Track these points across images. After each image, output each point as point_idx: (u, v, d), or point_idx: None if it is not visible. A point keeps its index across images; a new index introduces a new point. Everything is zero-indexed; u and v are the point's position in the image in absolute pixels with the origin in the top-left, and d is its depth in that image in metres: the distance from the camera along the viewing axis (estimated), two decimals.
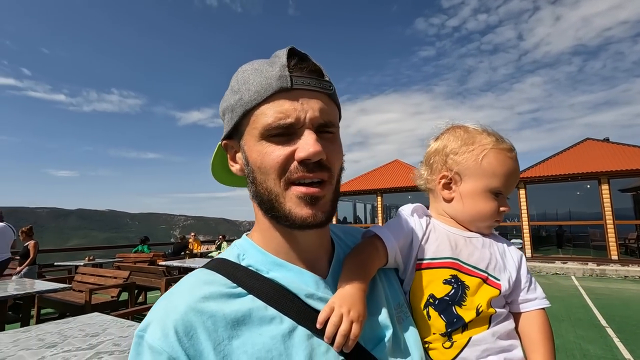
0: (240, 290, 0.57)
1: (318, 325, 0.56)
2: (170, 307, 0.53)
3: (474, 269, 0.75)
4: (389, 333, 0.62)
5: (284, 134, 0.56)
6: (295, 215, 0.56)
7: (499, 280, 0.75)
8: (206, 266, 0.63)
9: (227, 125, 0.63)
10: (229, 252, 0.66)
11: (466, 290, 0.72)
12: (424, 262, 0.75)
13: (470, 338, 0.71)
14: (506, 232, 14.25)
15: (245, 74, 0.59)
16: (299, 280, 0.60)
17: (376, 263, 0.71)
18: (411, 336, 0.67)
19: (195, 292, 0.55)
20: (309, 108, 0.56)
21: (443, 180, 0.83)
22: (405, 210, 0.84)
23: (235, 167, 0.65)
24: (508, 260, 0.79)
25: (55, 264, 9.17)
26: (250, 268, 0.61)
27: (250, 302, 0.56)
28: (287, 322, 0.55)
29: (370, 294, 0.66)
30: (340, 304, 0.57)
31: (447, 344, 0.70)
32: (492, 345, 0.71)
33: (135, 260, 8.58)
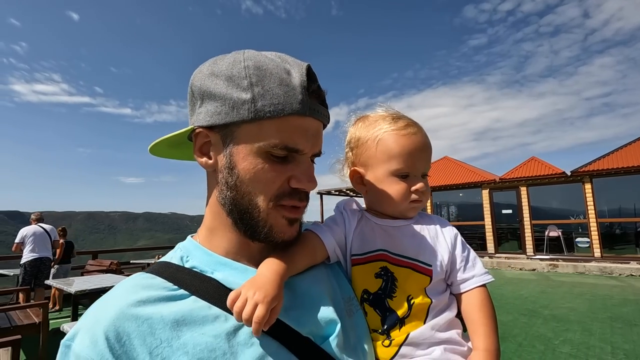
0: (181, 291, 0.55)
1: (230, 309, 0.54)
2: (101, 313, 0.50)
3: (403, 258, 0.73)
4: (337, 327, 0.60)
5: (283, 155, 0.56)
6: (277, 234, 0.59)
7: (429, 265, 0.72)
8: (146, 270, 0.61)
9: (215, 117, 0.57)
10: (172, 255, 0.64)
11: (395, 282, 0.71)
12: (357, 257, 0.74)
13: (408, 335, 0.68)
14: (570, 230, 13.16)
15: (260, 73, 0.55)
16: (244, 278, 0.58)
17: (308, 256, 0.68)
18: (361, 330, 0.67)
19: (129, 296, 0.52)
20: (314, 139, 0.58)
21: (355, 176, 0.82)
22: (338, 206, 0.83)
23: (203, 160, 0.61)
24: (440, 242, 0.75)
25: (131, 261, 10.30)
26: (194, 269, 0.60)
27: (192, 303, 0.54)
28: (232, 320, 0.53)
29: (315, 288, 0.65)
30: (247, 287, 0.55)
31: (387, 342, 0.69)
32: (431, 339, 0.69)
33: None
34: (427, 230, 0.77)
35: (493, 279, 0.75)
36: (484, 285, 0.74)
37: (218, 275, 0.59)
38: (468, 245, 0.78)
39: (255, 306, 0.52)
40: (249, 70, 0.55)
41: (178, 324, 0.50)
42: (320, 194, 19.53)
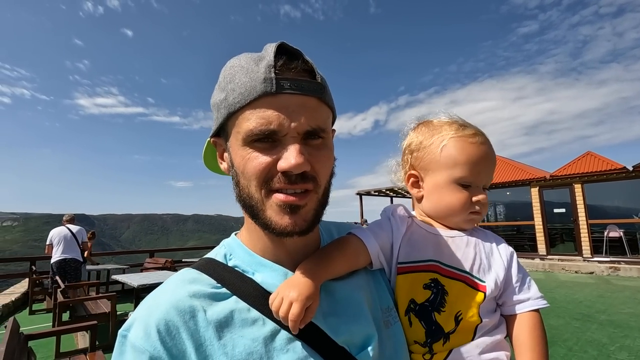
0: (224, 290, 0.57)
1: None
2: (153, 306, 0.53)
3: (455, 271, 0.70)
4: (374, 338, 0.60)
5: (268, 140, 0.54)
6: (275, 224, 0.56)
7: (483, 282, 0.70)
8: (193, 266, 0.63)
9: (215, 123, 0.61)
10: (217, 252, 0.66)
11: (445, 296, 0.68)
12: (405, 265, 0.72)
13: (450, 351, 0.67)
14: (634, 231, 12.03)
15: (232, 71, 0.56)
16: (283, 280, 0.59)
17: (349, 260, 0.67)
18: (398, 342, 0.65)
19: (179, 291, 0.55)
20: (294, 115, 0.52)
21: (411, 179, 0.80)
22: (386, 211, 0.81)
23: (223, 165, 0.64)
24: (495, 259, 0.73)
25: (183, 260, 11.09)
26: (236, 269, 0.61)
27: (234, 304, 0.56)
28: (270, 325, 0.55)
29: (355, 295, 0.64)
30: (284, 286, 0.57)
31: (427, 355, 0.67)
32: (475, 359, 0.66)
33: None
34: (482, 245, 0.74)
35: (548, 305, 0.72)
36: (537, 310, 0.71)
37: (258, 277, 0.60)
38: (523, 267, 0.76)
39: (291, 304, 0.53)
40: (226, 72, 0.58)
41: (220, 324, 0.53)
42: (360, 194, 19.54)
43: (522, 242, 13.78)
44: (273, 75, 0.52)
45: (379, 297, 0.69)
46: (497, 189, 14.73)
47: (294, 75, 0.54)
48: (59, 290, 5.04)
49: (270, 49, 0.55)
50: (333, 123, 0.64)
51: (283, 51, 0.55)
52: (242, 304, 0.56)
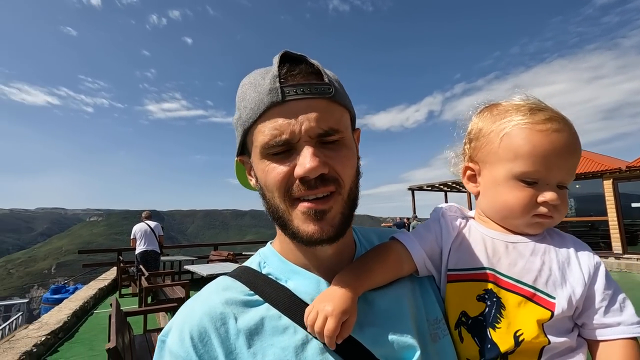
0: (257, 298, 0.57)
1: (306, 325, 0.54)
2: (188, 313, 0.56)
3: (516, 283, 0.60)
4: (417, 353, 0.55)
5: (283, 150, 0.53)
6: (302, 232, 0.55)
7: (553, 298, 0.59)
8: (229, 273, 0.64)
9: (237, 143, 0.62)
10: (252, 260, 0.67)
11: (502, 310, 0.59)
12: (456, 272, 0.64)
13: None
14: None
15: (243, 89, 0.58)
16: (316, 290, 0.58)
17: (390, 268, 0.63)
18: (447, 358, 0.60)
19: (213, 298, 0.57)
20: (304, 120, 0.52)
21: (468, 172, 0.71)
22: (436, 211, 0.73)
23: (252, 182, 0.64)
24: (572, 270, 0.61)
25: (243, 253, 11.97)
26: (269, 276, 0.61)
27: (265, 311, 0.56)
28: (301, 333, 0.54)
29: (397, 305, 0.61)
30: (319, 300, 0.54)
31: None
32: None
33: None
34: (555, 253, 0.63)
35: None
36: (634, 339, 0.58)
37: (291, 284, 0.60)
38: (615, 283, 0.62)
39: (326, 319, 0.51)
40: (239, 91, 0.59)
41: (250, 332, 0.53)
42: (412, 189, 19.22)
43: (596, 239, 12.64)
44: (278, 84, 0.52)
45: (425, 307, 0.63)
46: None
47: (298, 80, 0.53)
48: (143, 277, 5.90)
49: (275, 60, 0.55)
50: (354, 122, 0.63)
51: (287, 59, 0.55)
52: (274, 311, 0.56)
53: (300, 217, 0.55)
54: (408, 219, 17.59)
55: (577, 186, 14.41)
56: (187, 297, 5.53)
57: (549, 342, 0.57)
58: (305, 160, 0.52)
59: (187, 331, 0.53)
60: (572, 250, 0.64)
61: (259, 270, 0.63)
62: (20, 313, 9.59)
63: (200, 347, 0.52)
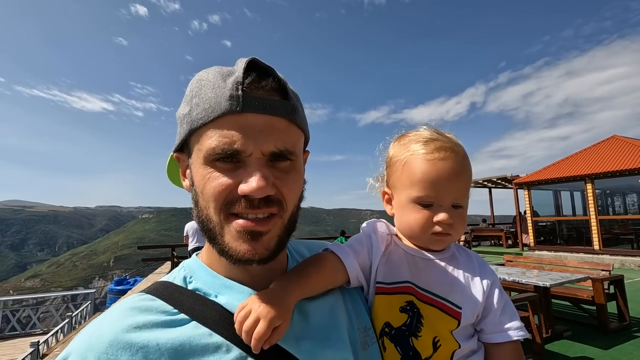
0: (182, 316, 0.52)
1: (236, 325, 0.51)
2: (94, 337, 0.47)
3: (431, 295, 0.67)
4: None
5: (230, 161, 0.50)
6: (233, 250, 0.52)
7: (459, 308, 0.67)
8: (146, 290, 0.57)
9: (177, 138, 0.57)
10: (176, 274, 0.61)
11: (422, 319, 0.66)
12: (382, 285, 0.69)
13: None
14: None
15: (199, 85, 0.53)
16: None
17: (326, 278, 0.64)
18: None
19: (125, 320, 0.49)
20: (260, 136, 0.49)
21: (386, 196, 0.79)
22: (367, 227, 0.78)
23: (185, 183, 0.60)
24: (475, 285, 0.70)
25: None
26: (197, 292, 0.56)
27: (193, 330, 0.50)
28: (235, 351, 0.50)
29: (331, 317, 0.60)
30: (254, 299, 0.52)
31: None
32: None
33: None
34: (462, 269, 0.72)
35: (528, 335, 0.76)
36: (518, 341, 0.69)
37: (222, 300, 0.55)
38: (506, 295, 0.74)
39: (257, 321, 0.49)
40: (193, 85, 0.55)
41: (176, 353, 0.47)
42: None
43: None
44: (240, 92, 0.49)
45: (356, 316, 0.65)
46: (622, 177, 12.61)
47: (263, 93, 0.51)
48: None
49: (240, 64, 0.52)
50: (306, 145, 0.62)
51: (254, 67, 0.52)
52: (203, 329, 0.51)
53: (233, 234, 0.52)
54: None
55: None
56: None
57: (460, 347, 0.66)
58: (254, 179, 0.49)
59: (91, 358, 0.45)
60: (476, 267, 0.73)
61: (184, 286, 0.58)
62: (89, 302, 10.69)
63: None
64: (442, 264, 0.72)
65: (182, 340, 0.49)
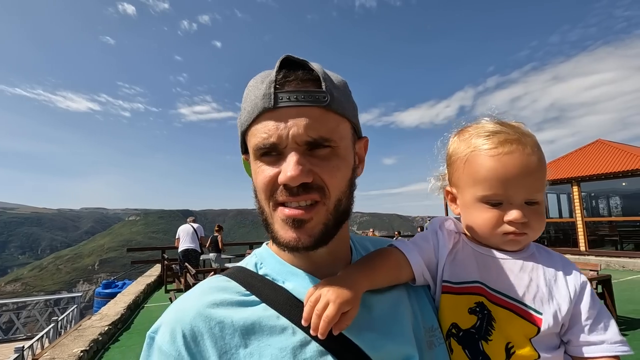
0: (253, 298, 0.56)
1: (304, 312, 0.53)
2: (180, 310, 0.53)
3: (504, 297, 0.62)
4: (415, 359, 0.55)
5: (273, 154, 0.54)
6: (280, 238, 0.55)
7: (540, 313, 0.61)
8: (224, 273, 0.63)
9: (239, 141, 0.63)
10: (248, 261, 0.66)
11: (492, 323, 0.61)
12: (449, 285, 0.66)
13: None
14: None
15: (247, 91, 0.58)
16: None
17: (391, 272, 0.64)
18: None
19: (206, 297, 0.55)
20: (292, 126, 0.52)
21: (449, 195, 0.74)
22: (433, 224, 0.75)
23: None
24: (559, 288, 0.63)
25: None
26: (266, 277, 0.60)
27: (262, 311, 0.54)
28: (300, 334, 0.53)
29: (395, 311, 0.61)
30: (324, 284, 0.54)
31: None
32: None
33: None
34: (543, 270, 0.65)
35: (632, 352, 0.60)
36: (617, 357, 0.60)
37: (289, 285, 0.58)
38: (600, 302, 0.65)
39: (327, 304, 0.50)
40: (244, 92, 0.59)
41: (247, 331, 0.52)
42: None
43: None
44: (272, 90, 0.52)
45: (421, 315, 0.64)
46: (607, 180, 12.95)
47: (294, 87, 0.53)
48: (189, 274, 6.30)
49: (276, 64, 0.55)
50: (357, 131, 0.62)
51: (288, 64, 0.55)
52: (271, 312, 0.54)
53: (280, 223, 0.55)
54: (427, 219, 17.21)
55: (624, 184, 13.63)
56: None
57: (539, 357, 0.60)
58: (288, 168, 0.51)
59: (179, 329, 0.51)
60: (559, 268, 0.66)
61: (256, 271, 0.62)
62: (75, 306, 10.45)
63: (193, 347, 0.50)
64: (518, 264, 0.66)
65: (253, 320, 0.53)
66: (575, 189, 13.77)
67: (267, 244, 0.68)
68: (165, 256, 10.01)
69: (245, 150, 0.63)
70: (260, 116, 0.54)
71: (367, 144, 0.67)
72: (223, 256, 10.38)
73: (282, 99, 0.53)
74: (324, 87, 0.54)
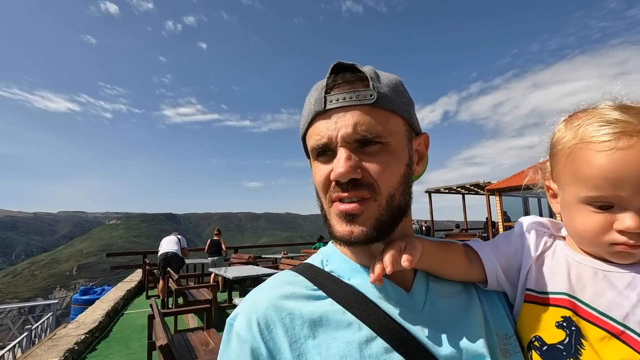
0: (320, 293, 0.59)
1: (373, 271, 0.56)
2: (255, 301, 0.58)
3: (600, 316, 0.52)
4: None
5: (327, 154, 0.57)
6: (335, 232, 0.57)
7: None
8: (293, 269, 0.66)
9: (303, 148, 0.66)
10: (315, 258, 0.68)
11: (582, 340, 0.53)
12: (532, 293, 0.59)
13: None
14: None
15: (306, 100, 0.61)
16: (380, 288, 0.58)
17: (460, 266, 0.61)
18: None
19: (277, 290, 0.59)
20: (341, 125, 0.54)
21: (550, 191, 0.63)
22: (522, 224, 0.66)
23: None
24: None
25: (262, 256, 12.16)
26: (332, 274, 0.62)
27: (329, 305, 0.56)
28: (366, 330, 0.54)
29: (463, 311, 0.59)
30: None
31: None
32: None
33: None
34: None
35: None
36: None
37: (354, 282, 0.60)
38: None
39: (402, 251, 0.54)
40: (305, 100, 0.62)
41: (314, 324, 0.54)
42: (429, 192, 19.10)
43: None
44: (323, 94, 0.56)
45: (494, 321, 0.60)
46: None
47: (341, 89, 0.56)
48: (172, 279, 6.12)
49: (328, 71, 0.59)
50: (413, 128, 0.62)
51: (339, 69, 0.59)
52: (337, 307, 0.56)
53: (335, 218, 0.58)
54: (426, 221, 17.49)
55: None
56: (215, 298, 5.72)
57: None
58: (338, 165, 0.53)
59: (254, 318, 0.55)
60: None
61: (322, 268, 0.65)
62: (51, 313, 10.02)
63: (266, 334, 0.54)
64: (626, 279, 0.54)
65: (320, 313, 0.55)
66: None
67: (332, 242, 0.68)
68: (147, 261, 9.71)
69: (308, 155, 0.66)
70: (314, 120, 0.58)
71: (427, 140, 0.66)
72: (206, 260, 10.20)
73: (331, 101, 0.56)
74: (370, 85, 0.56)
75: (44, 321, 9.26)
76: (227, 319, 0.59)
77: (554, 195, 0.63)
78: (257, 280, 6.68)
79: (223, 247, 9.35)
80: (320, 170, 0.58)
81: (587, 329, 0.53)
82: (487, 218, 16.69)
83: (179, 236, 8.74)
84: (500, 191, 15.75)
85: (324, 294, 0.59)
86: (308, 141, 0.60)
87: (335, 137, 0.55)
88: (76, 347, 4.54)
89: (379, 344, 0.53)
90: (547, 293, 0.58)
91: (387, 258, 0.54)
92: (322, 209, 0.61)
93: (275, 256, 11.49)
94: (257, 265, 9.72)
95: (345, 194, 0.55)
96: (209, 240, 9.55)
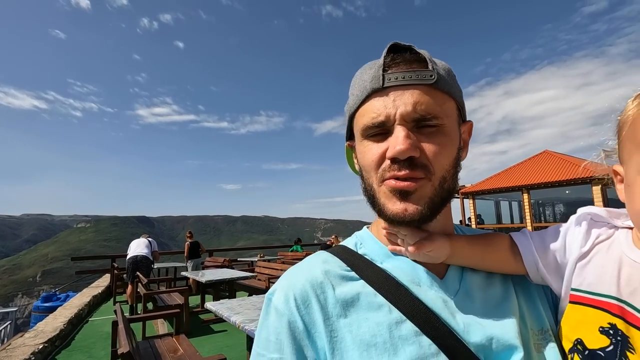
0: (353, 274, 0.60)
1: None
2: (292, 278, 0.61)
3: None
4: (518, 356, 0.51)
5: (380, 132, 0.55)
6: (387, 209, 0.56)
7: None
8: (328, 250, 0.68)
9: (345, 128, 0.66)
10: (349, 241, 0.70)
11: (630, 350, 0.47)
12: (577, 294, 0.54)
13: None
14: None
15: (354, 79, 0.61)
16: (412, 273, 0.59)
17: (496, 256, 0.59)
18: None
19: (314, 268, 0.61)
20: (400, 104, 0.53)
21: (618, 176, 0.55)
22: (575, 216, 0.60)
23: (357, 165, 0.66)
24: None
25: (239, 259, 11.90)
26: (365, 257, 0.63)
27: (361, 287, 0.58)
28: (396, 313, 0.54)
29: (497, 304, 0.57)
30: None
31: None
32: None
33: (292, 257, 10.44)
34: None
35: None
36: None
37: (387, 266, 0.61)
38: None
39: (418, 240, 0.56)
40: (351, 82, 0.62)
41: (347, 304, 0.56)
42: None
43: None
44: (381, 72, 0.55)
45: (529, 315, 0.58)
46: (553, 187, 13.95)
47: (400, 68, 0.55)
48: (141, 284, 5.84)
49: (384, 50, 0.58)
50: (462, 113, 0.61)
51: (395, 49, 0.58)
52: (369, 289, 0.57)
53: (386, 195, 0.56)
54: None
55: (567, 192, 14.74)
56: (187, 303, 5.51)
57: None
58: (397, 142, 0.52)
59: (291, 293, 0.57)
60: None
61: (355, 250, 0.66)
62: (9, 322, 9.37)
63: (303, 309, 0.56)
64: None
65: (353, 295, 0.57)
66: (525, 196, 14.68)
67: (367, 227, 0.72)
68: (116, 265, 9.28)
69: (349, 137, 0.67)
70: (369, 97, 0.56)
71: (471, 128, 0.66)
72: (178, 264, 9.89)
73: (389, 79, 0.55)
74: (430, 66, 0.55)
75: (1, 330, 8.64)
76: (266, 294, 0.62)
77: (622, 181, 0.54)
78: (231, 284, 6.48)
79: (201, 247, 9.40)
80: (372, 149, 0.57)
81: (638, 338, 0.46)
82: (460, 221, 17.16)
83: (149, 239, 8.51)
84: (473, 194, 16.23)
85: (357, 276, 0.60)
86: (359, 119, 0.59)
87: (393, 115, 0.54)
88: (33, 358, 4.22)
89: (409, 326, 0.53)
90: (592, 294, 0.52)
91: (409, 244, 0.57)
92: (369, 189, 0.60)
93: (252, 259, 11.24)
94: (233, 268, 9.54)
95: (402, 173, 0.53)
96: (188, 243, 9.33)
